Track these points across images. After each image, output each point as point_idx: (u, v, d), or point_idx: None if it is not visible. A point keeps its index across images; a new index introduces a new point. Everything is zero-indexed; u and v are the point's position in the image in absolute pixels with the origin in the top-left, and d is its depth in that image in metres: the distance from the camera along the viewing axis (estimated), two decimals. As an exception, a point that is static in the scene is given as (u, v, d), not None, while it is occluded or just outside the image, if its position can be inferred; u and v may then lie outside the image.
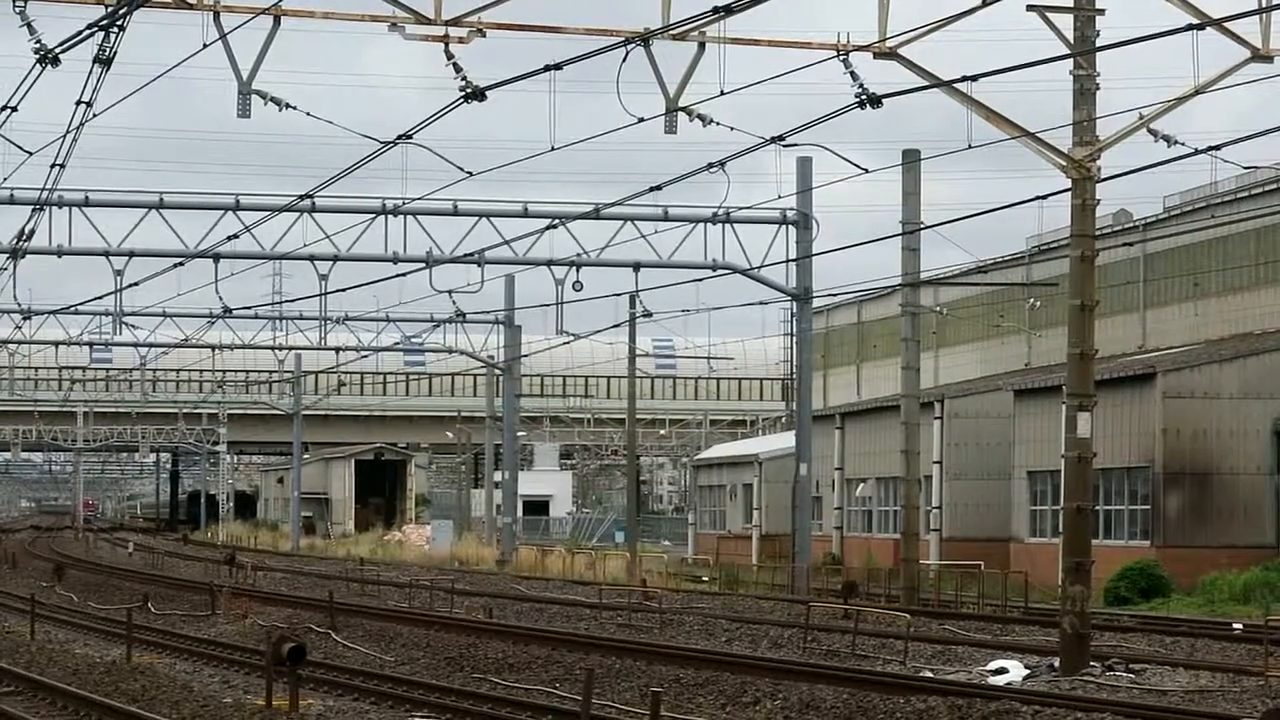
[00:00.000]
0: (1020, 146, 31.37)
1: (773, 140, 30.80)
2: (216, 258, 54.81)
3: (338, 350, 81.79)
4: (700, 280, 54.82)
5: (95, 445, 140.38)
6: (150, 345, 79.83)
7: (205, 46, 28.49)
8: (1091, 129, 31.10)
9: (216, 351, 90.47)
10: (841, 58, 30.70)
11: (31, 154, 34.08)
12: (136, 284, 55.95)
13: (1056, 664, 30.87)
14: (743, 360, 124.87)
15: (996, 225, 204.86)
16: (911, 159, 50.01)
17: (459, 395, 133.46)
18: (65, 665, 32.16)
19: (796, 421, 57.30)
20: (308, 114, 30.32)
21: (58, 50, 27.03)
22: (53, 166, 34.58)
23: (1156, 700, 26.76)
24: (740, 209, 53.90)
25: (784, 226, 54.85)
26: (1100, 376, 40.57)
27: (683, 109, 31.36)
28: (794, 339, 59.53)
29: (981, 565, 55.30)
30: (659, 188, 36.47)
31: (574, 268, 55.19)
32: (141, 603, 48.32)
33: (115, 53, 26.47)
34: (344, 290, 59.04)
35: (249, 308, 65.50)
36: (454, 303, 61.28)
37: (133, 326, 71.02)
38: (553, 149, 31.77)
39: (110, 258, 55.37)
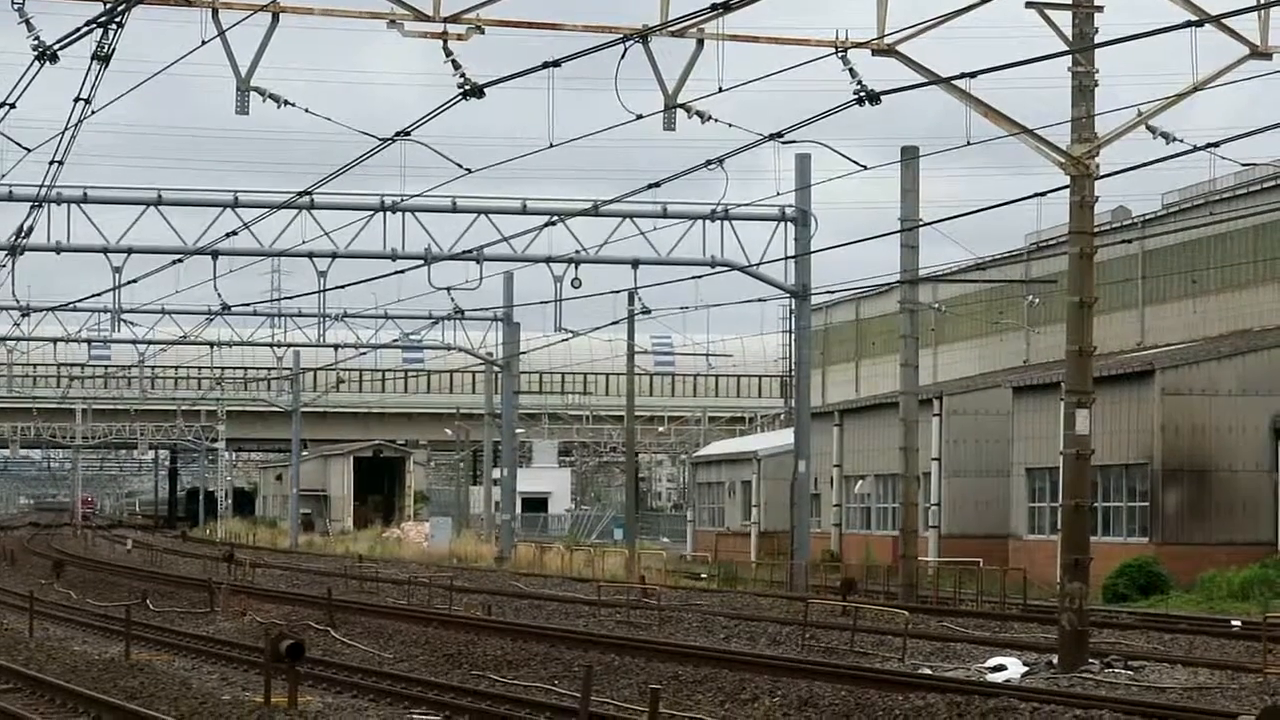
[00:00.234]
0: (1019, 143, 31.36)
1: (771, 137, 30.81)
2: (215, 254, 54.82)
3: (336, 347, 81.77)
4: (699, 277, 54.90)
5: (94, 442, 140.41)
6: (149, 342, 79.80)
7: (204, 43, 28.48)
8: (1090, 126, 31.10)
9: (215, 348, 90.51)
10: (840, 54, 30.69)
11: (30, 151, 34.09)
12: (135, 281, 56.06)
13: (1055, 661, 30.87)
14: (741, 357, 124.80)
15: (995, 222, 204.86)
16: (910, 156, 50.03)
17: (458, 392, 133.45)
18: (64, 662, 32.15)
19: (795, 418, 57.31)
20: (306, 111, 30.33)
21: (56, 47, 27.02)
22: (51, 163, 34.59)
23: (1155, 697, 26.75)
24: (739, 206, 53.92)
25: (783, 223, 54.87)
26: (1099, 373, 40.58)
27: (681, 106, 31.35)
28: (793, 336, 59.51)
29: (980, 562, 55.32)
30: (658, 184, 36.49)
31: (573, 265, 55.21)
32: (140, 600, 48.32)
33: (114, 49, 26.48)
34: (342, 287, 58.83)
35: (248, 305, 65.51)
36: (453, 300, 61.32)
37: (131, 323, 71.02)
38: (551, 146, 31.81)
39: (109, 254, 55.38)
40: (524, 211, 54.86)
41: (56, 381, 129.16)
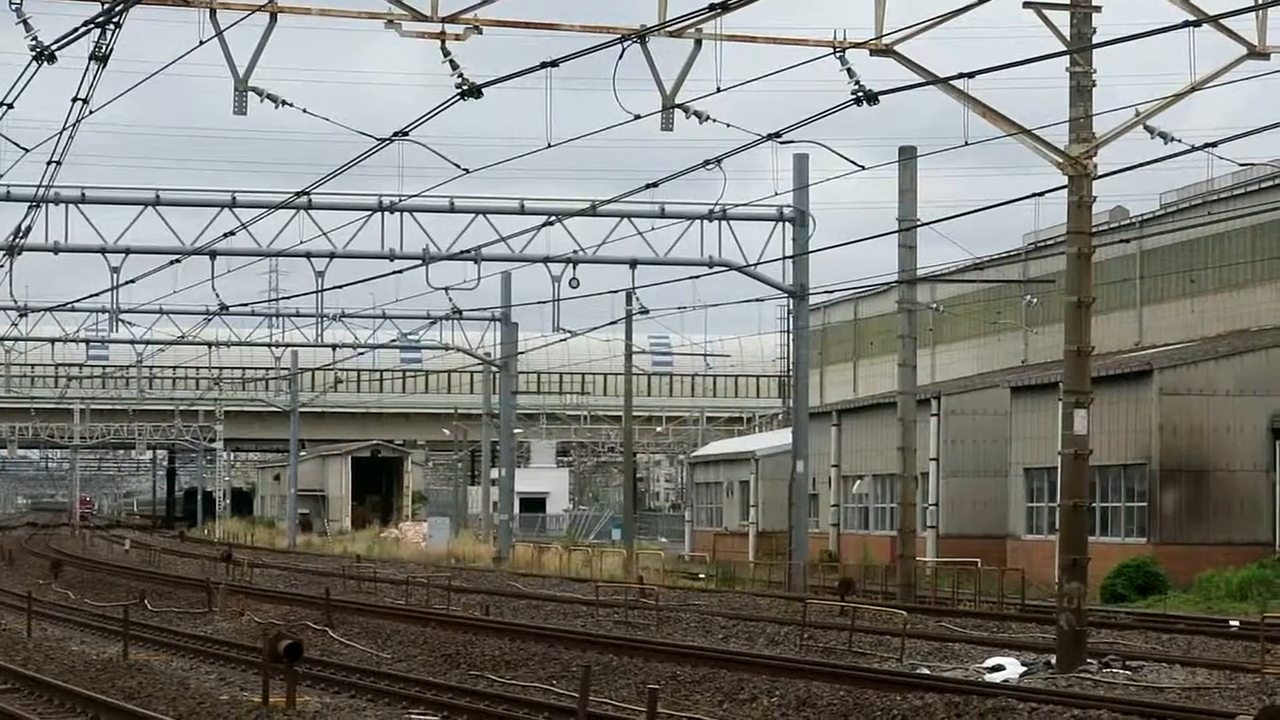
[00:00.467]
0: (1017, 143, 31.36)
1: (769, 137, 30.82)
2: (213, 255, 54.81)
3: (334, 347, 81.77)
4: (697, 277, 54.92)
5: (92, 442, 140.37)
6: (147, 342, 79.79)
7: (201, 43, 28.49)
8: (1088, 126, 31.10)
9: (213, 348, 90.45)
10: (838, 55, 30.70)
11: (28, 151, 34.09)
12: (133, 281, 56.05)
13: (1053, 661, 30.87)
14: (739, 357, 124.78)
15: (993, 222, 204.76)
16: (908, 156, 50.03)
17: (455, 392, 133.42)
18: (62, 662, 32.15)
19: (793, 418, 57.32)
20: (304, 111, 30.35)
21: (54, 47, 27.02)
22: (49, 163, 34.60)
23: (1153, 697, 26.75)
24: (737, 206, 53.92)
25: (780, 223, 54.87)
26: (1097, 373, 40.60)
27: (679, 106, 31.35)
28: (791, 336, 59.53)
29: (978, 562, 55.31)
30: (655, 184, 36.52)
31: (570, 265, 55.21)
32: (138, 600, 48.34)
33: (111, 49, 26.48)
34: (340, 287, 58.83)
35: (245, 305, 65.52)
36: (450, 300, 61.32)
37: (129, 323, 71.07)
38: (549, 146, 31.83)
39: (106, 255, 55.38)
40: (522, 211, 54.87)
41: (54, 381, 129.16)
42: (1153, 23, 25.65)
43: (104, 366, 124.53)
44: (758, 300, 59.78)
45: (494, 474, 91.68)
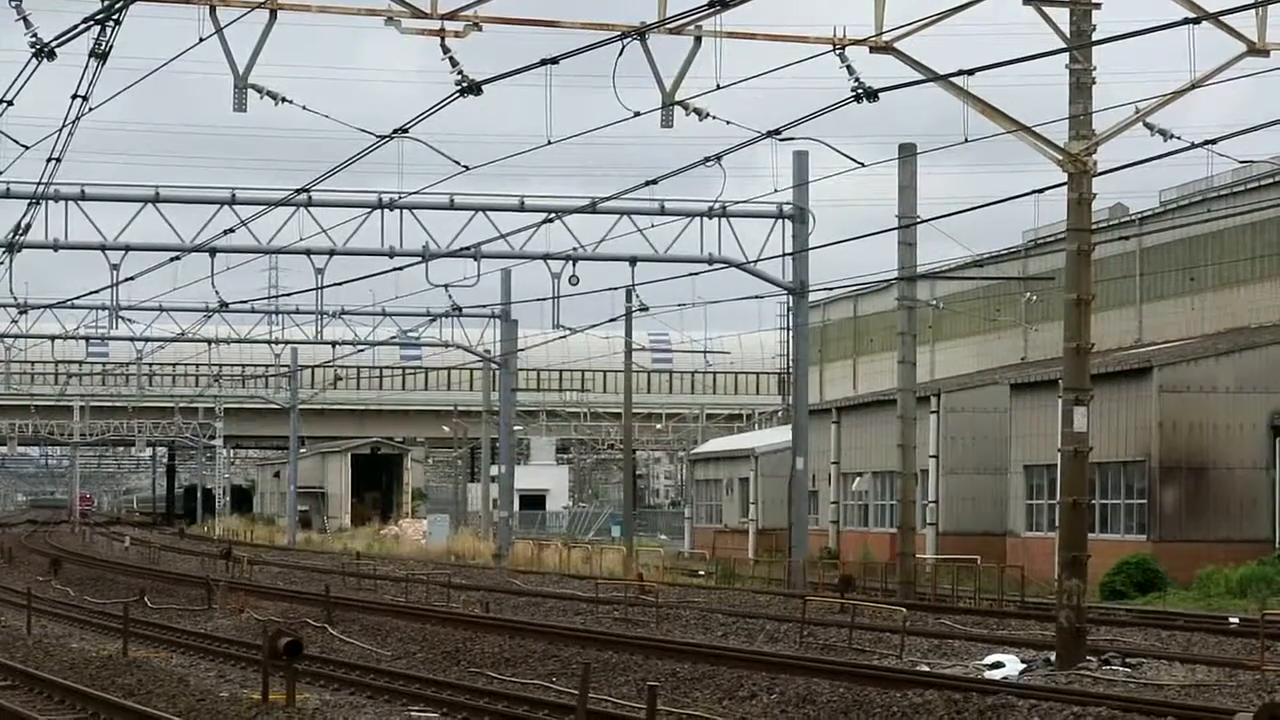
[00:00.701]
0: (1016, 141, 31.33)
1: (769, 134, 30.81)
2: (213, 252, 54.79)
3: (334, 344, 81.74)
4: (696, 274, 54.84)
5: (91, 439, 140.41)
6: (146, 339, 79.78)
7: (201, 40, 28.47)
8: (1088, 123, 31.08)
9: (213, 346, 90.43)
10: (837, 52, 30.68)
11: (28, 148, 34.06)
12: (132, 278, 56.05)
13: (1053, 658, 30.87)
14: (739, 354, 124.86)
15: (992, 219, 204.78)
16: (907, 153, 50.01)
17: (455, 389, 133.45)
18: (62, 659, 32.15)
19: (793, 415, 57.32)
20: (304, 108, 30.34)
21: (53, 44, 27.01)
22: (49, 160, 34.57)
23: (1153, 694, 26.75)
24: (736, 203, 53.94)
25: (780, 220, 54.86)
26: (1096, 370, 40.61)
27: (679, 103, 31.34)
28: (790, 333, 59.53)
29: (978, 559, 55.30)
30: (655, 182, 36.52)
31: (570, 262, 55.22)
32: (138, 597, 48.35)
33: (111, 46, 26.46)
34: (340, 284, 59.12)
35: (245, 302, 65.59)
36: (450, 297, 61.42)
37: (129, 320, 71.02)
38: (549, 143, 31.83)
39: (106, 252, 55.38)
40: (522, 209, 54.87)
41: (54, 379, 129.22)
42: (1152, 20, 25.65)
43: (104, 363, 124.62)
44: (757, 297, 59.86)
45: (494, 471, 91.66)
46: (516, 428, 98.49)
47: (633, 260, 56.07)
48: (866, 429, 74.14)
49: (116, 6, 25.88)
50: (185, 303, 68.47)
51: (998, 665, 30.69)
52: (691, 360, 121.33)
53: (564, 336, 66.81)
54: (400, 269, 53.61)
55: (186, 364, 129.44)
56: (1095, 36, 31.04)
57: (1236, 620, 40.30)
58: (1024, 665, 30.67)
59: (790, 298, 57.45)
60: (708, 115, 31.47)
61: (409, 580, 57.29)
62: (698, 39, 30.54)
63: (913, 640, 34.82)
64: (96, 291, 61.73)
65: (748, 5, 25.87)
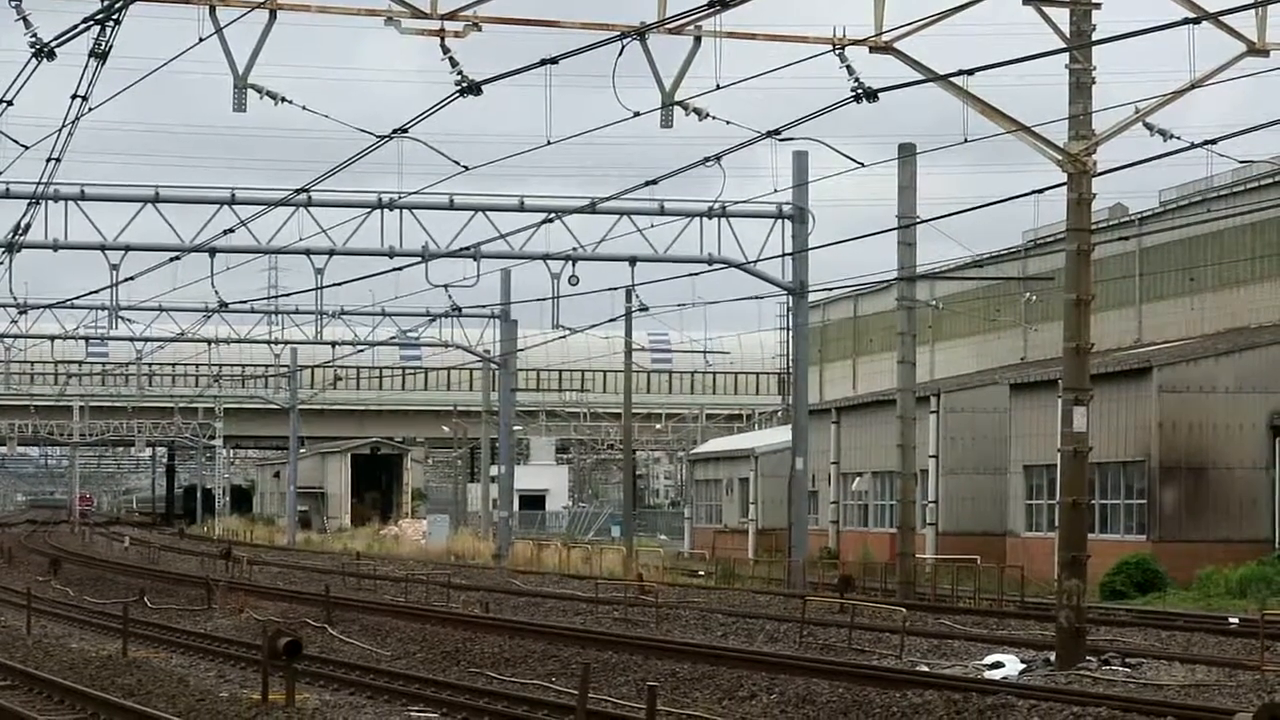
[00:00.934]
0: (1016, 141, 31.33)
1: (768, 134, 30.81)
2: (212, 252, 54.78)
3: (334, 344, 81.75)
4: (696, 274, 54.85)
5: (91, 440, 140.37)
6: (146, 339, 79.79)
7: (201, 40, 28.47)
8: (1088, 123, 31.08)
9: (212, 346, 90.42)
10: (837, 52, 30.68)
11: (27, 148, 34.06)
12: (132, 278, 56.05)
13: (1052, 658, 30.87)
14: (739, 354, 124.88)
15: (992, 219, 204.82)
16: (907, 153, 50.00)
17: (455, 390, 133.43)
18: (61, 659, 32.15)
19: (792, 416, 57.30)
20: (304, 108, 30.34)
21: (53, 44, 27.01)
22: (48, 160, 34.57)
23: (1152, 694, 26.75)
24: (736, 203, 53.92)
25: (780, 220, 54.86)
26: (1096, 370, 40.60)
27: (679, 103, 31.34)
28: (790, 333, 59.52)
29: (978, 559, 55.30)
30: (655, 182, 36.52)
31: (570, 262, 55.20)
32: (138, 597, 48.34)
33: (111, 46, 26.46)
34: (340, 284, 59.10)
35: (245, 302, 65.58)
36: (450, 297, 61.38)
37: (128, 321, 71.02)
38: (549, 143, 31.83)
39: (106, 252, 55.38)
40: (521, 209, 54.86)
41: (54, 379, 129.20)
42: (1152, 20, 25.65)
43: (103, 364, 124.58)
44: (757, 297, 59.89)
45: (493, 471, 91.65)
46: (516, 428, 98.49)
47: (632, 260, 56.06)
48: (866, 429, 74.14)
49: (116, 6, 25.88)
50: (185, 303, 68.52)
51: (997, 665, 30.69)
52: (691, 360, 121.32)
53: (564, 336, 66.82)
54: (400, 269, 53.64)
55: (186, 364, 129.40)
56: (1095, 36, 31.04)
57: (1236, 620, 40.29)
58: (1024, 665, 30.67)
59: (790, 298, 57.44)
60: (707, 115, 31.48)
61: (409, 580, 57.28)
62: (697, 39, 30.54)
63: (912, 640, 34.81)
64: (96, 291, 61.75)
65: (747, 5, 25.89)
